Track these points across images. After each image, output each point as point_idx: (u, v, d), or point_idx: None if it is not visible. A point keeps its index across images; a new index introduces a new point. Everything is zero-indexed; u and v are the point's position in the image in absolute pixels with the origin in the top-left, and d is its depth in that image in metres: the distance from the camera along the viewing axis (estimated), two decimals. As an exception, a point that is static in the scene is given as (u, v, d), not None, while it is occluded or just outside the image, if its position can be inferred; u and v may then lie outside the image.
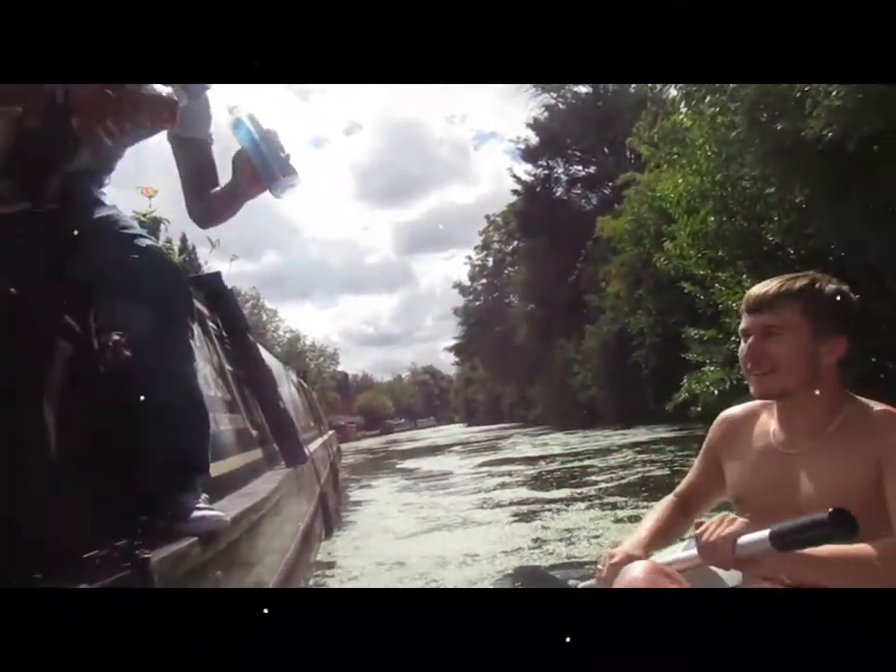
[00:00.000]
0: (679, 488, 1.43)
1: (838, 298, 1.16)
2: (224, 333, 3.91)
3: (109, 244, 1.60)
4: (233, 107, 1.51)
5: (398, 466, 16.33)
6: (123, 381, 1.60)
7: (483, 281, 39.63)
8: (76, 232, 1.60)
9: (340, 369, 65.98)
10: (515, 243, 34.95)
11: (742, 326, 1.22)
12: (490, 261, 39.03)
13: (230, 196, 1.67)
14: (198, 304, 3.55)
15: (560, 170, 31.36)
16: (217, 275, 4.01)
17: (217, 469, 2.50)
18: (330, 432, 12.43)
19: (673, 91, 14.28)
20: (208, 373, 2.94)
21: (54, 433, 1.36)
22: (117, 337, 1.58)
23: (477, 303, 39.84)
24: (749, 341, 1.19)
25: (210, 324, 3.59)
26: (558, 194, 31.13)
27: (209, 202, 1.72)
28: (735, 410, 1.36)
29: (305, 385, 11.36)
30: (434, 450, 21.78)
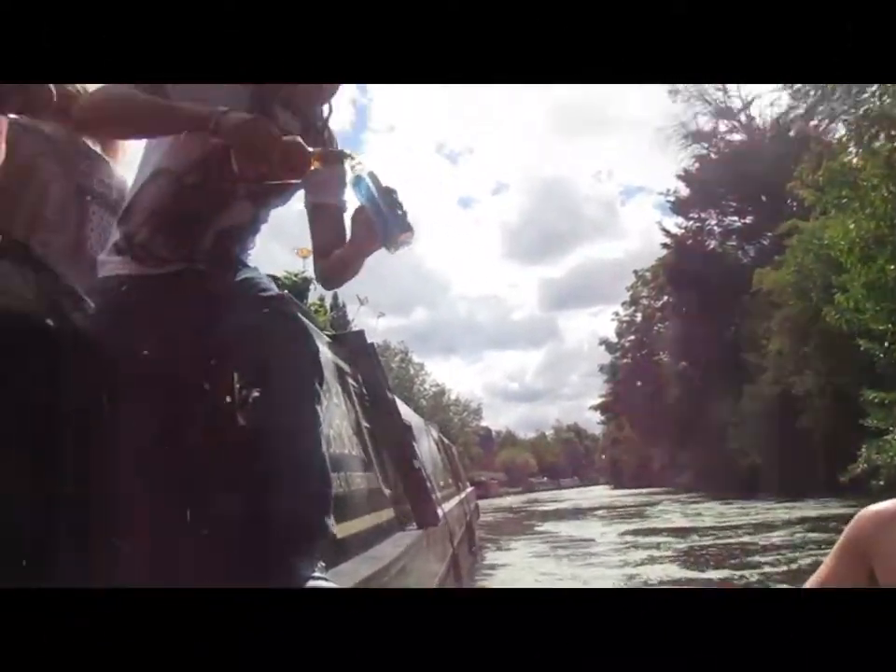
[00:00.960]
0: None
1: None
2: (364, 391, 3.98)
3: (248, 308, 1.64)
4: (355, 164, 1.52)
5: (537, 528, 15.77)
6: (251, 444, 1.61)
7: (631, 337, 38.38)
8: (220, 294, 1.66)
9: (483, 424, 66.21)
10: (665, 298, 33.64)
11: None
12: (638, 317, 37.81)
13: (351, 254, 1.68)
14: (339, 361, 3.64)
15: (713, 222, 30.03)
16: (360, 334, 4.12)
17: (345, 529, 2.48)
18: (469, 490, 12.31)
19: (841, 129, 13.33)
20: (343, 431, 2.97)
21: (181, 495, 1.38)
22: (251, 398, 1.60)
23: (625, 360, 38.55)
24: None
25: (350, 381, 3.66)
26: (711, 247, 29.71)
27: (332, 261, 1.73)
28: (883, 504, 1.22)
29: (446, 440, 11.40)
30: (577, 513, 20.95)
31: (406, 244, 1.48)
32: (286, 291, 1.81)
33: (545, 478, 73.99)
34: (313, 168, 1.50)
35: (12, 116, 1.80)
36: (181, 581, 1.23)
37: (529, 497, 43.01)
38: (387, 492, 3.56)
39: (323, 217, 1.79)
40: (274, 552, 1.56)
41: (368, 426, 3.69)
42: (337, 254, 1.72)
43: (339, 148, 1.71)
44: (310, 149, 1.47)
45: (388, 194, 1.49)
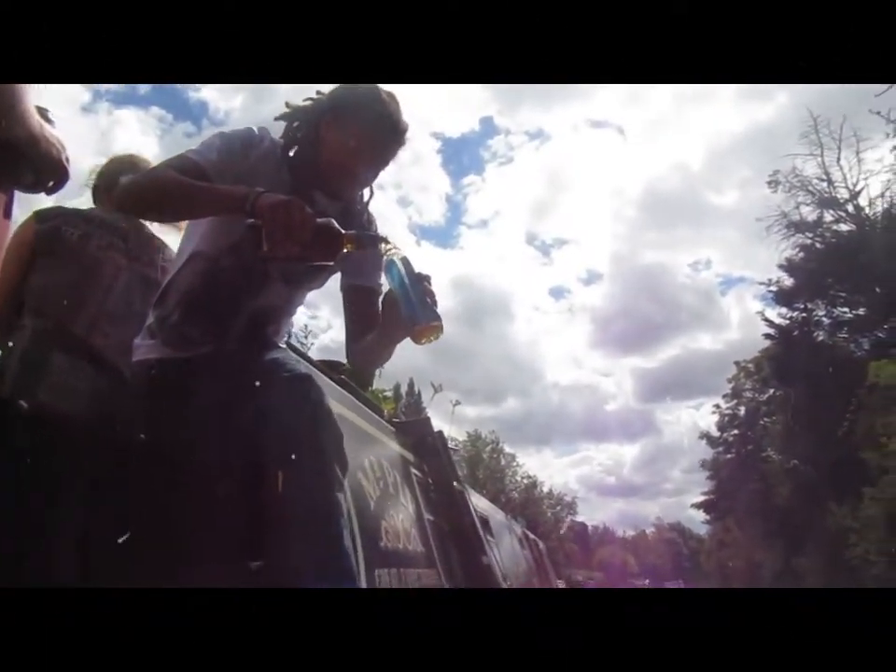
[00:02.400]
0: None
1: None
2: (430, 481, 3.86)
3: (272, 389, 1.61)
4: (389, 248, 1.50)
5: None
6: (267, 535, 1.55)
7: (735, 432, 36.16)
8: (247, 375, 1.65)
9: (578, 519, 63.46)
10: (770, 391, 31.78)
11: None
12: (742, 411, 35.77)
13: (380, 340, 1.64)
14: (402, 450, 3.56)
15: (821, 313, 28.44)
16: (426, 421, 4.04)
17: (393, 632, 2.33)
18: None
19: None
20: (400, 524, 2.85)
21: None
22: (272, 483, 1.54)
23: (728, 456, 36.24)
24: None
25: (414, 471, 3.57)
26: (820, 339, 28.06)
27: (363, 346, 1.70)
28: None
29: (531, 536, 10.89)
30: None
31: (433, 334, 1.43)
32: (313, 371, 1.77)
33: (647, 580, 69.25)
34: (346, 251, 1.49)
35: (90, 209, 1.92)
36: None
37: (628, 602, 40.17)
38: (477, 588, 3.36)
39: (357, 299, 1.79)
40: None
41: (431, 518, 3.55)
42: (368, 339, 1.69)
43: (375, 232, 1.71)
44: (343, 231, 1.46)
45: (419, 282, 1.46)
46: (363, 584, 2.18)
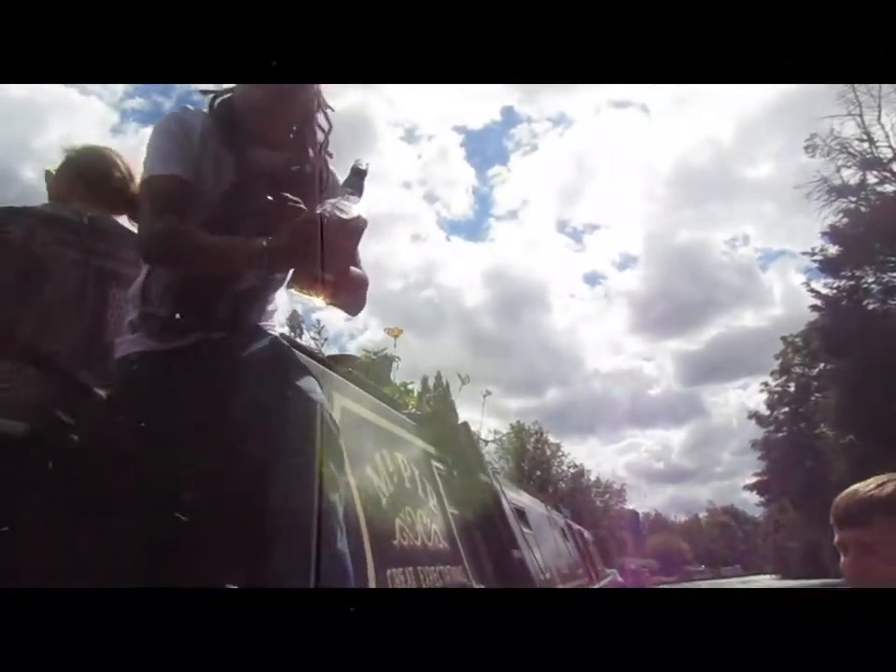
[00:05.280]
0: None
1: None
2: (454, 473, 3.72)
3: (259, 380, 1.51)
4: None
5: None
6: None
7: (785, 410, 35.22)
8: (233, 366, 1.54)
9: (628, 506, 62.70)
10: (821, 365, 30.79)
11: (837, 538, 1.20)
12: (791, 387, 34.81)
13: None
14: (423, 444, 3.43)
15: (870, 279, 27.40)
16: (447, 413, 3.91)
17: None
18: (606, 579, 11.38)
19: None
20: (418, 520, 2.72)
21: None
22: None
23: (779, 435, 35.29)
24: (850, 556, 1.16)
25: (436, 464, 3.43)
26: (871, 307, 27.03)
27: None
28: None
29: (575, 527, 10.68)
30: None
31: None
32: (305, 360, 1.65)
33: (703, 566, 68.13)
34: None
35: (40, 205, 1.83)
36: None
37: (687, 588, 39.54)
38: (478, 587, 3.22)
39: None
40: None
41: (456, 512, 3.41)
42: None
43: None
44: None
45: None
46: (371, 585, 2.05)
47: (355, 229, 1.45)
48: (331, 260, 1.37)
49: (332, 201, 1.44)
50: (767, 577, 45.33)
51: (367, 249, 1.64)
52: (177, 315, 1.57)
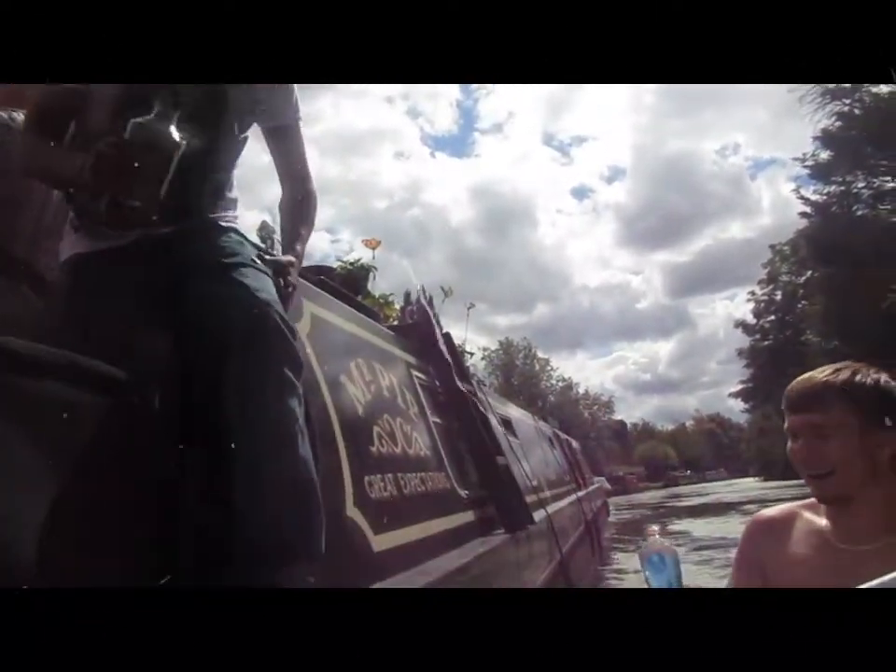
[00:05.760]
0: None
1: (884, 389, 1.14)
2: (436, 384, 3.68)
3: (209, 277, 1.39)
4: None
5: (673, 527, 14.53)
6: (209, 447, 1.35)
7: (771, 318, 35.52)
8: (181, 263, 1.43)
9: (617, 417, 64.15)
10: (809, 273, 30.79)
11: (787, 424, 1.20)
12: (778, 295, 34.97)
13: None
14: (403, 354, 3.37)
15: (861, 184, 27.01)
16: (425, 322, 3.83)
17: (391, 540, 2.18)
18: (593, 487, 11.69)
19: None
20: (397, 428, 2.68)
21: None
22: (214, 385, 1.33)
23: (766, 343, 35.73)
24: (800, 441, 1.17)
25: (416, 374, 3.38)
26: (860, 212, 26.78)
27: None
28: (769, 512, 1.33)
29: (563, 436, 10.88)
30: (722, 508, 19.48)
31: None
32: (263, 256, 1.52)
33: (688, 471, 70.43)
34: None
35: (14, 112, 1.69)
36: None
37: (671, 492, 40.92)
38: (464, 493, 3.23)
39: (278, 141, 1.69)
40: (245, 571, 1.29)
41: (439, 421, 3.38)
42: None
43: None
44: None
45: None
46: (349, 491, 2.02)
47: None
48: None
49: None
50: (751, 479, 47.03)
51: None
52: (107, 206, 1.43)
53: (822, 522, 1.22)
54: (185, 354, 1.39)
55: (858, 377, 1.15)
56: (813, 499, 1.25)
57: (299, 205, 1.69)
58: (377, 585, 1.89)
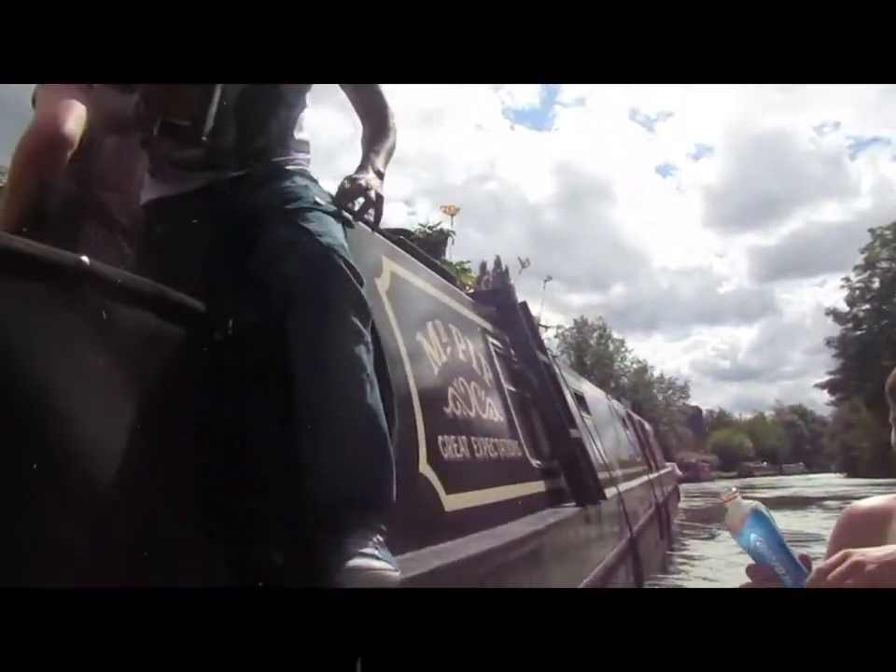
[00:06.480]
0: None
1: None
2: (512, 352, 3.63)
3: (274, 222, 1.38)
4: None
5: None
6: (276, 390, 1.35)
7: (866, 306, 33.47)
8: (248, 209, 1.42)
9: (692, 403, 62.37)
10: (911, 259, 28.85)
11: (893, 414, 1.14)
12: (876, 283, 32.89)
13: None
14: (480, 320, 3.32)
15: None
16: (506, 290, 3.77)
17: (462, 501, 2.17)
18: (665, 470, 11.42)
19: None
20: (472, 392, 2.65)
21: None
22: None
23: (858, 332, 33.74)
24: None
25: (492, 341, 3.33)
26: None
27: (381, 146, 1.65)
28: (866, 502, 1.25)
29: (636, 417, 10.64)
30: (800, 502, 18.72)
31: None
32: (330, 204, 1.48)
33: (764, 462, 67.96)
34: None
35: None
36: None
37: (745, 483, 39.60)
38: (535, 463, 3.19)
39: (360, 97, 1.66)
40: (313, 523, 1.29)
41: (513, 389, 3.33)
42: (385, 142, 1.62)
43: None
44: None
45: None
46: (422, 449, 2.01)
47: None
48: None
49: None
50: (833, 475, 44.96)
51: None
52: (177, 151, 1.43)
53: None
54: (254, 304, 1.39)
55: None
56: None
57: (379, 132, 1.63)
58: (448, 544, 1.88)
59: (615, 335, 45.94)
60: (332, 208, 1.45)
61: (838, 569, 0.90)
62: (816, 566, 0.94)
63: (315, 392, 1.29)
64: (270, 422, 1.31)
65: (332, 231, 1.38)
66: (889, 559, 0.92)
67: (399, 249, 2.58)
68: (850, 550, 0.94)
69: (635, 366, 47.51)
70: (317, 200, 1.42)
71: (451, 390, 2.43)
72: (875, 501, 1.26)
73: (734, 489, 1.03)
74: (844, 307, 34.69)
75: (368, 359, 1.35)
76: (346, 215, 1.47)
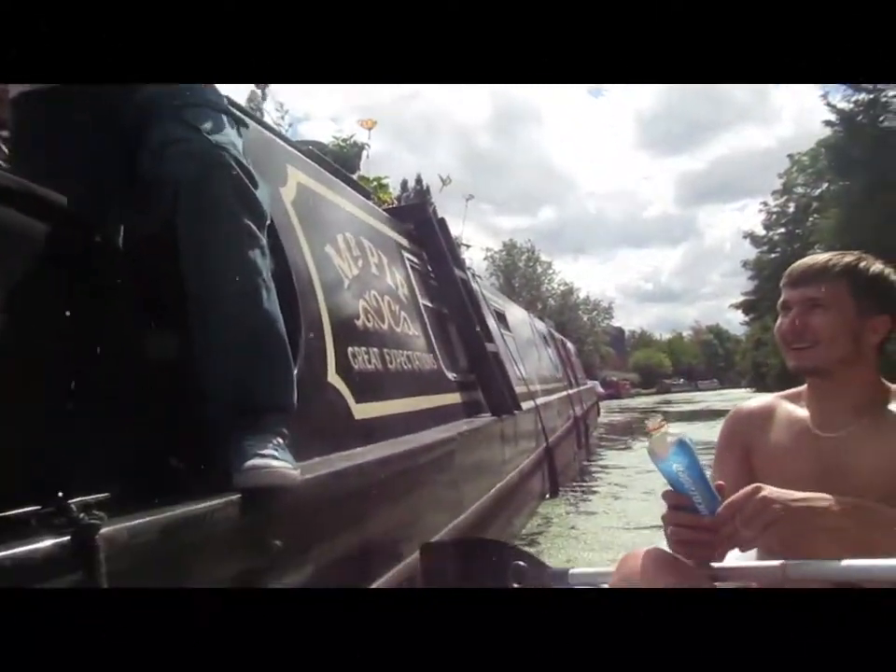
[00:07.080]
0: None
1: (884, 276, 1.16)
2: (429, 268, 3.64)
3: (162, 122, 1.31)
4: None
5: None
6: (162, 294, 1.32)
7: (782, 230, 34.89)
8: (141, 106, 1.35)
9: (616, 324, 64.41)
10: (825, 185, 29.98)
11: (783, 299, 1.21)
12: (791, 208, 34.19)
13: None
14: (395, 235, 3.30)
15: (892, 92, 25.84)
16: (422, 206, 3.74)
17: (375, 409, 2.21)
18: (585, 387, 11.89)
19: None
20: (385, 306, 2.66)
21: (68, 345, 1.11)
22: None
23: (773, 255, 35.27)
24: (791, 313, 1.17)
25: (408, 256, 3.33)
26: (886, 123, 25.76)
27: None
28: (751, 403, 1.34)
29: (557, 335, 10.95)
30: (714, 415, 19.94)
31: None
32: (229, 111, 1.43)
33: (681, 379, 71.51)
34: None
35: None
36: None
37: (662, 398, 41.74)
38: (451, 376, 3.26)
39: None
40: (212, 423, 1.30)
41: (429, 304, 3.37)
42: None
43: None
44: None
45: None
46: (331, 359, 2.02)
47: None
48: None
49: None
50: (743, 390, 47.87)
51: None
52: None
53: (802, 411, 1.23)
54: (140, 205, 1.34)
55: (862, 263, 1.16)
56: (793, 390, 1.26)
57: None
58: (357, 450, 1.93)
59: (543, 258, 46.44)
60: (225, 107, 1.39)
61: (749, 505, 0.96)
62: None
63: (206, 296, 1.28)
64: (160, 327, 1.29)
65: (223, 130, 1.32)
66: (796, 505, 0.97)
67: (308, 160, 2.51)
68: (759, 485, 0.99)
69: (562, 288, 48.42)
70: (209, 98, 1.36)
71: (362, 303, 2.43)
72: (757, 402, 1.33)
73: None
74: (761, 231, 36.05)
75: (263, 264, 1.33)
76: (240, 115, 1.42)
